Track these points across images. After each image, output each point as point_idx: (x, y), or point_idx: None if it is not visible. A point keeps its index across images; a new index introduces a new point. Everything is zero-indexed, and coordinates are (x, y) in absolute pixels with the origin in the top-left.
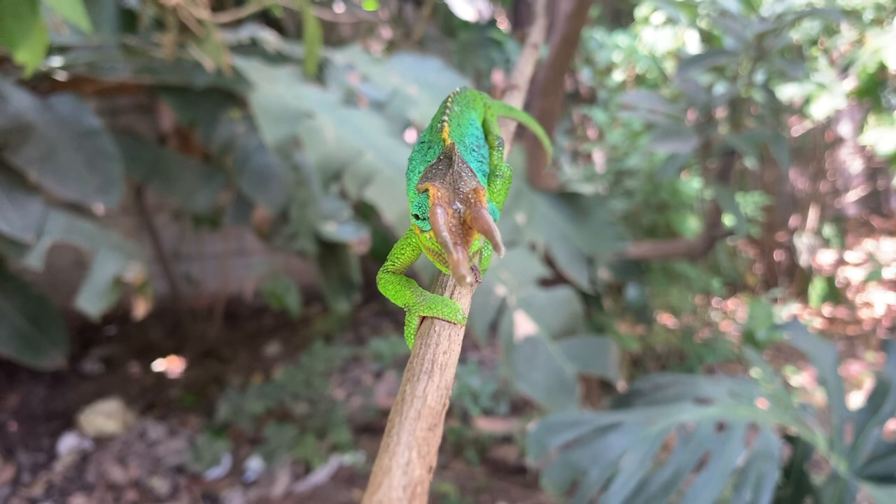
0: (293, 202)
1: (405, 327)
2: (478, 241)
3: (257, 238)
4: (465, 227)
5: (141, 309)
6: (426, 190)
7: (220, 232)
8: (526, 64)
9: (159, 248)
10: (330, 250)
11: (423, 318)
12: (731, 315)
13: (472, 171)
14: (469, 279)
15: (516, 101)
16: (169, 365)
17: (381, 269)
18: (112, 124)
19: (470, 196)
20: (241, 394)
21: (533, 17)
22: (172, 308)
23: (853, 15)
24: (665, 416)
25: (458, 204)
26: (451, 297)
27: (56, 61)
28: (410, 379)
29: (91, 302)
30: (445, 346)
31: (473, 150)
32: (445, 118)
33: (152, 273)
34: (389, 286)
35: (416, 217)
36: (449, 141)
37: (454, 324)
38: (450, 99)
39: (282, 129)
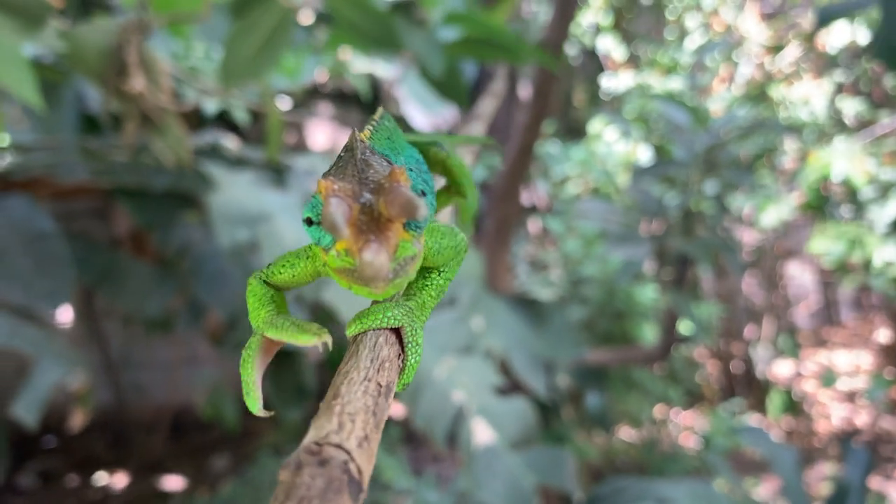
0: (245, 309)
1: (243, 351)
2: (409, 243)
3: (209, 344)
4: (382, 222)
5: (78, 420)
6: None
7: (170, 339)
8: (487, 103)
9: (107, 355)
10: (283, 356)
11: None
12: (690, 428)
13: (384, 158)
14: (379, 273)
15: (477, 130)
16: (111, 479)
17: (257, 272)
18: (66, 228)
19: (384, 182)
20: None
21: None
22: (117, 418)
23: (795, 131)
24: None
25: (368, 195)
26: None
27: (12, 161)
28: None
29: (29, 411)
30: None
31: (410, 170)
32: (369, 127)
33: (98, 382)
34: (251, 298)
35: (308, 223)
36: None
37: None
38: (377, 113)
39: (237, 233)
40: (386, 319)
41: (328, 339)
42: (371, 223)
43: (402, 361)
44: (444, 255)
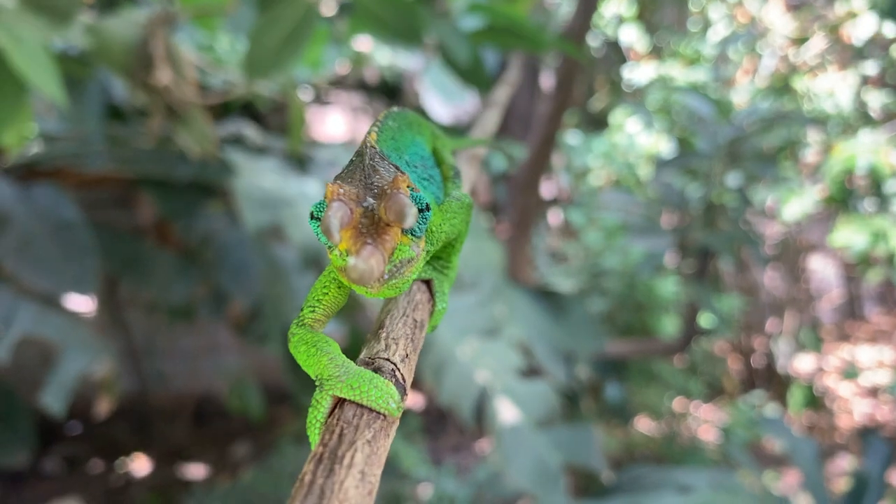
0: (268, 299)
1: (310, 410)
2: (407, 246)
3: (231, 333)
4: (381, 225)
5: (104, 407)
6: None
7: (193, 327)
8: (502, 92)
9: (130, 343)
10: None
11: (340, 401)
12: (710, 421)
13: (391, 165)
14: (368, 275)
15: (493, 117)
16: (134, 464)
17: (296, 320)
18: (90, 217)
19: (386, 188)
20: (207, 495)
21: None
22: (140, 406)
23: (819, 123)
24: (647, 502)
25: (370, 199)
26: (392, 356)
27: (40, 151)
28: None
29: (56, 398)
30: (367, 452)
31: (415, 167)
32: (374, 129)
33: (122, 370)
34: (301, 346)
35: (314, 218)
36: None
37: (384, 416)
38: (382, 115)
39: (263, 215)
40: (416, 275)
41: (403, 403)
42: (371, 226)
43: (432, 307)
44: (457, 227)
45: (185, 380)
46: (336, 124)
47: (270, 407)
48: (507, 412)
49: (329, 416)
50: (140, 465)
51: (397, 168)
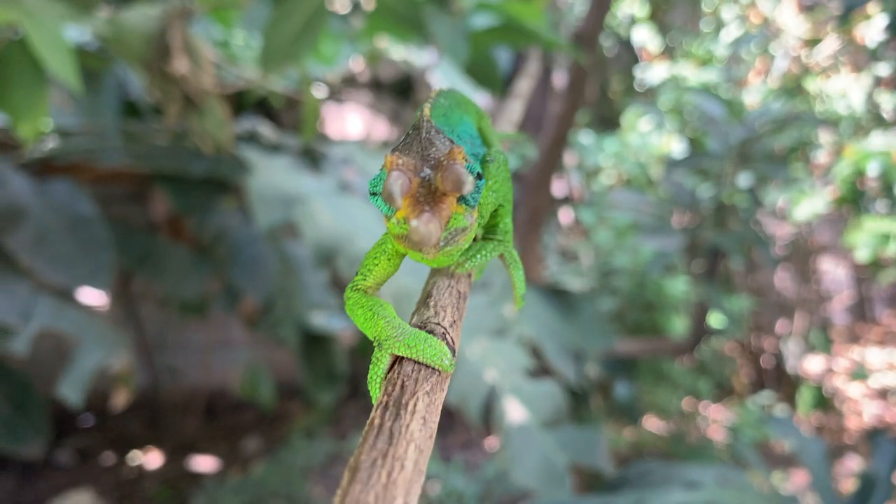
0: (280, 293)
1: (371, 367)
2: (462, 216)
3: (243, 328)
4: (438, 195)
5: (121, 400)
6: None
7: (205, 322)
8: (524, 83)
9: (143, 337)
10: (316, 341)
11: (397, 359)
12: (718, 421)
13: (447, 138)
14: (427, 239)
15: (517, 107)
16: (146, 458)
17: (350, 284)
18: (105, 212)
19: (443, 160)
20: (218, 489)
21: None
22: (152, 399)
23: (831, 124)
24: (654, 498)
25: (427, 170)
26: (440, 320)
27: (56, 146)
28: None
29: (73, 390)
30: (427, 402)
31: (464, 143)
32: (428, 104)
33: (134, 363)
34: (358, 309)
35: (374, 195)
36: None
37: (438, 371)
38: (434, 92)
39: (275, 214)
40: (488, 254)
41: (454, 361)
42: (428, 196)
43: (511, 278)
44: (501, 191)
45: (196, 374)
46: (354, 123)
47: (281, 402)
48: (514, 412)
49: (388, 372)
50: (152, 457)
51: (452, 141)
